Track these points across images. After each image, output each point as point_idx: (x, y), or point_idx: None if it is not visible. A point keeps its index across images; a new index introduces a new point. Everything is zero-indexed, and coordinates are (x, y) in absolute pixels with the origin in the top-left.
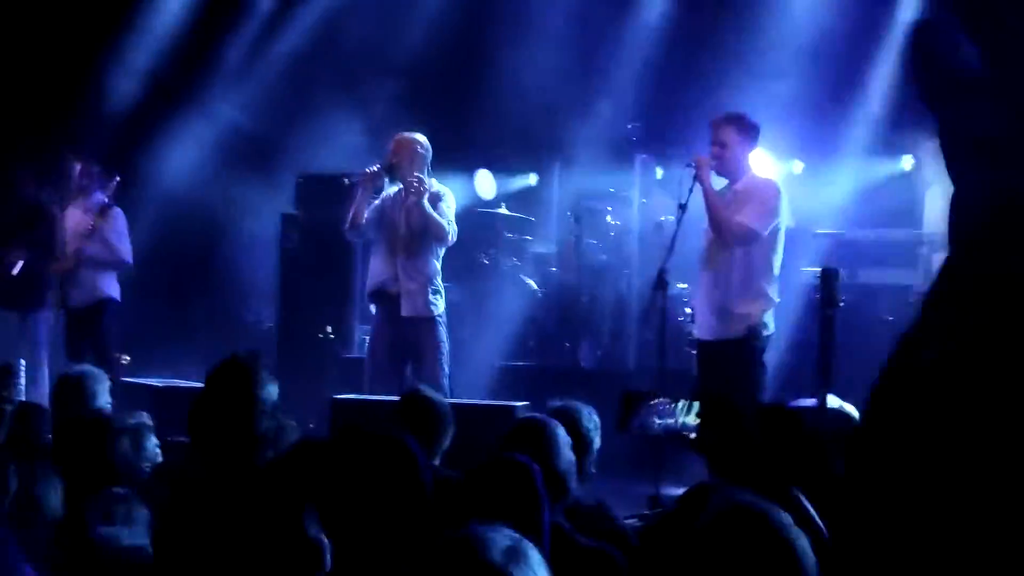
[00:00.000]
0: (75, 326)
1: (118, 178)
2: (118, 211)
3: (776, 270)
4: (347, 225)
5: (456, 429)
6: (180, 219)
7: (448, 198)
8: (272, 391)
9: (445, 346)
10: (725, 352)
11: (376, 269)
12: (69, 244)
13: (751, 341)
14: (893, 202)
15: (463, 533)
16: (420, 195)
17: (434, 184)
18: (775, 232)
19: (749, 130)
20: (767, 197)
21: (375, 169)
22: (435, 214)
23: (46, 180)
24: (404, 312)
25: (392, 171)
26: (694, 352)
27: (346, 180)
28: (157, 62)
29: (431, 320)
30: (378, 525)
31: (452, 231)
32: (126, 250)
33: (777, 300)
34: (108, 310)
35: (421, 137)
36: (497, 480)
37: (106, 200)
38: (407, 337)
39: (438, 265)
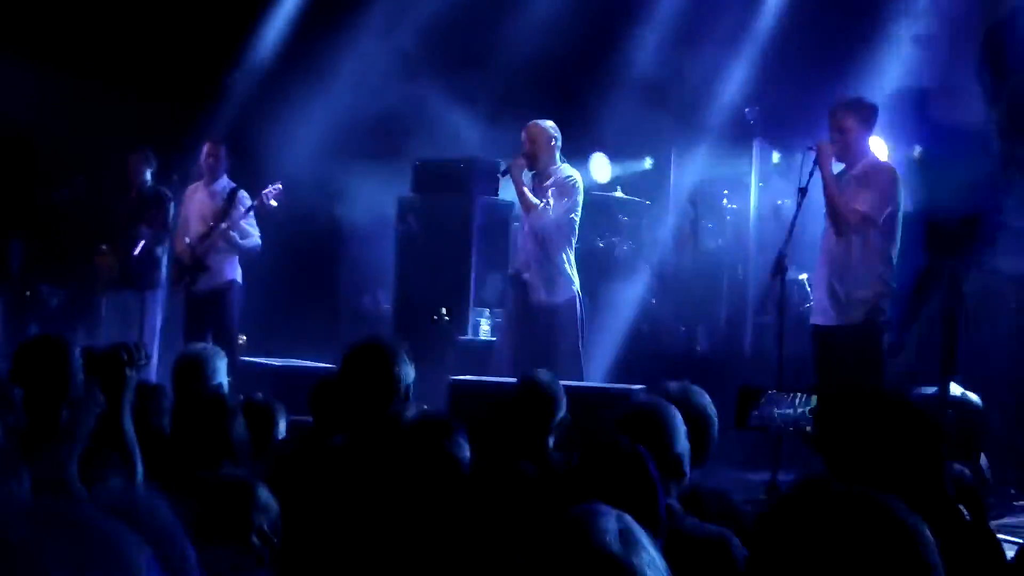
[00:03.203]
0: (197, 308)
1: (279, 185)
2: (244, 194)
3: (894, 257)
4: (528, 213)
5: (573, 413)
6: (298, 203)
7: (567, 186)
8: (408, 374)
9: (577, 331)
10: (843, 338)
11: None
12: (193, 227)
13: (870, 327)
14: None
15: (573, 515)
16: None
17: (565, 169)
18: (891, 218)
19: (867, 114)
20: (884, 183)
21: (520, 161)
22: (533, 200)
23: (169, 162)
24: (534, 298)
25: (531, 159)
26: (811, 337)
27: (499, 174)
28: (278, 46)
29: (555, 306)
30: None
31: (554, 217)
32: (258, 236)
33: (893, 286)
34: (233, 293)
35: (550, 123)
36: (608, 465)
37: (234, 183)
38: (539, 324)
39: (563, 253)
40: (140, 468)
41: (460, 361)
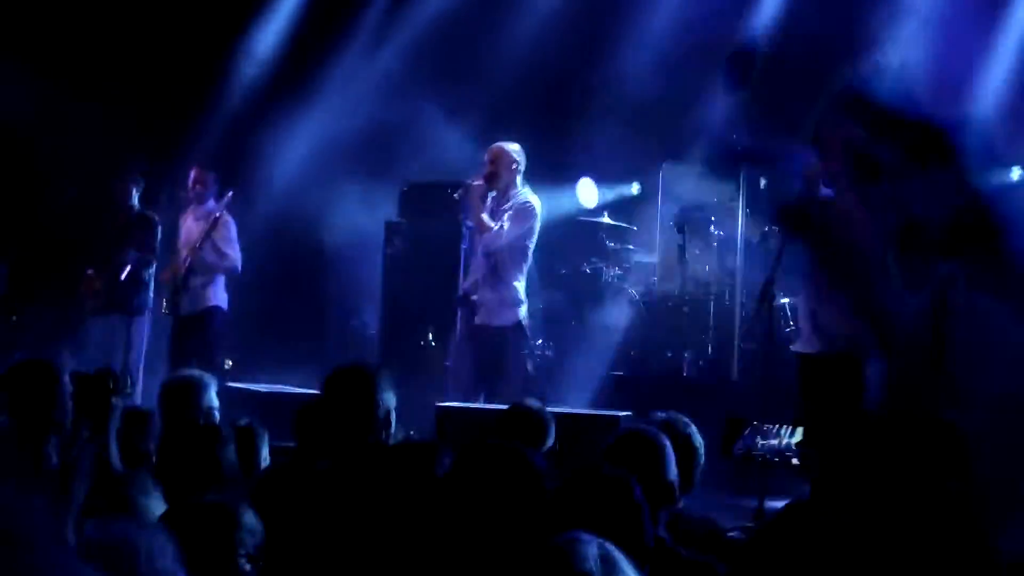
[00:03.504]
0: (182, 333)
1: (231, 192)
2: (229, 219)
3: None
4: (482, 235)
5: (559, 438)
6: (285, 226)
7: (524, 211)
8: (390, 399)
9: (524, 356)
10: (826, 366)
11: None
12: (181, 252)
13: (853, 355)
14: None
15: (555, 543)
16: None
17: (524, 194)
18: None
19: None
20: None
21: (478, 182)
22: (488, 223)
23: (156, 187)
24: (479, 320)
25: (490, 180)
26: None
27: (454, 194)
28: (265, 70)
29: (502, 329)
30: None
31: (506, 241)
32: (235, 257)
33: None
34: (216, 318)
35: (515, 146)
36: (592, 491)
37: (219, 209)
38: (485, 346)
39: (514, 278)
40: None
41: (446, 386)
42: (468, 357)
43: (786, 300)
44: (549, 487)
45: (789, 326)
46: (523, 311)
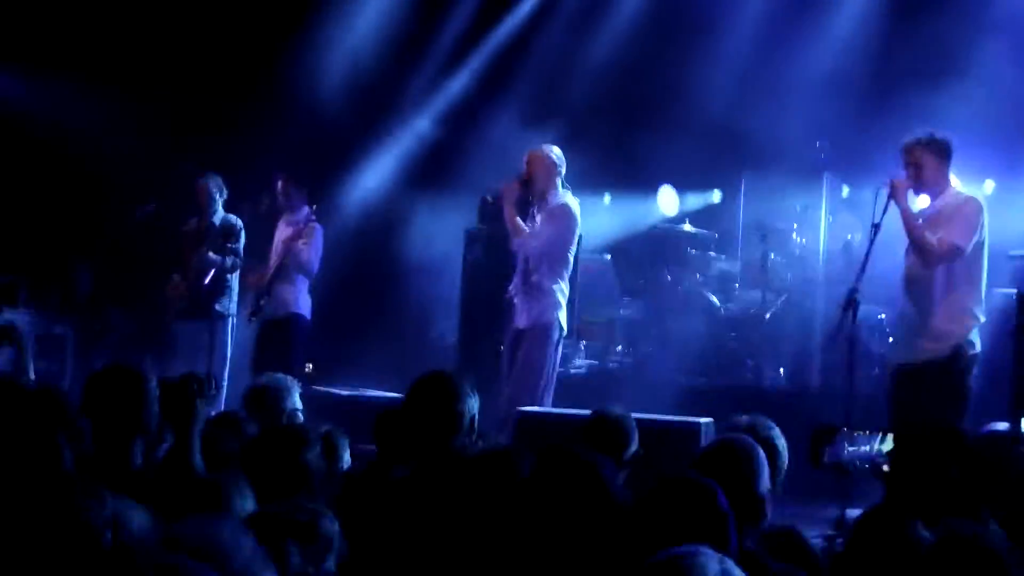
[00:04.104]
0: (265, 337)
1: (315, 205)
2: (317, 227)
3: (982, 287)
4: (515, 239)
5: (640, 445)
6: (364, 235)
7: (558, 213)
8: (472, 406)
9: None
10: (928, 373)
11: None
12: (270, 257)
13: (956, 362)
14: None
15: (675, 555)
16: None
17: (562, 196)
18: (978, 248)
19: (941, 148)
20: (969, 213)
21: (513, 185)
22: (520, 226)
23: (239, 194)
24: (516, 323)
25: (527, 184)
26: (886, 375)
27: (488, 198)
28: (348, 81)
29: (530, 329)
30: (568, 545)
31: (539, 243)
32: (308, 260)
33: (983, 319)
34: (297, 324)
35: (554, 150)
36: (680, 500)
37: (312, 216)
38: (517, 349)
39: (550, 282)
40: None
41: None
42: (507, 359)
43: (881, 316)
44: (628, 494)
45: (871, 336)
46: (556, 316)
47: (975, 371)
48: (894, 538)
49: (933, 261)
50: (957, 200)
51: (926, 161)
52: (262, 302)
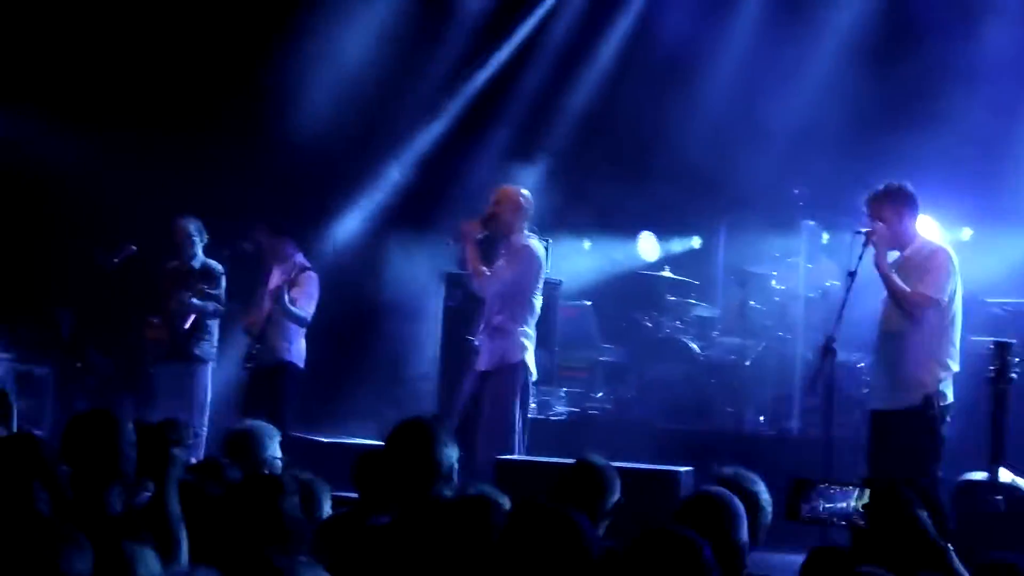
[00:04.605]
0: (255, 384)
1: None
2: (311, 274)
3: (955, 337)
4: (476, 280)
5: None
6: (344, 279)
7: (520, 253)
8: (451, 454)
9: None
10: (899, 422)
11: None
12: (265, 304)
13: (927, 410)
14: None
15: None
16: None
17: (525, 238)
18: (951, 298)
19: (905, 201)
20: (939, 263)
21: (474, 225)
22: (480, 267)
23: (220, 239)
24: (478, 365)
25: (489, 222)
26: (866, 422)
27: (449, 242)
28: (326, 122)
29: (493, 373)
30: None
31: (499, 285)
32: (304, 307)
33: (956, 369)
34: (288, 374)
35: (524, 191)
36: (663, 552)
37: (306, 264)
38: (479, 392)
39: (514, 324)
40: (184, 551)
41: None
42: (465, 403)
43: (860, 365)
44: (611, 544)
45: (851, 382)
46: (522, 358)
47: (947, 420)
48: None
49: (911, 312)
50: (924, 251)
51: (889, 214)
52: (254, 350)
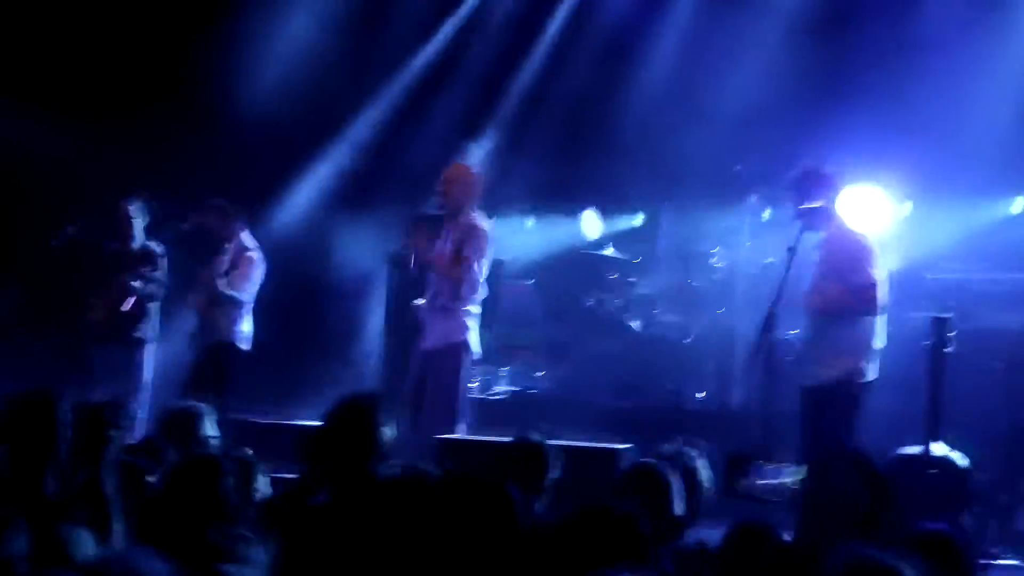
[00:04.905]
0: (198, 364)
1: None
2: (253, 257)
3: (876, 319)
4: (430, 266)
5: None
6: (288, 258)
7: (479, 235)
8: (390, 430)
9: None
10: (823, 397)
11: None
12: (207, 284)
13: (847, 388)
14: (1006, 244)
15: None
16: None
17: (477, 218)
18: (872, 284)
19: (825, 181)
20: (856, 251)
21: (421, 227)
22: (445, 256)
23: (162, 219)
24: (424, 344)
25: (443, 199)
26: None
27: (398, 251)
28: (271, 99)
29: (439, 351)
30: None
31: (471, 272)
32: (243, 289)
33: (879, 346)
34: (232, 355)
35: (475, 169)
36: (600, 527)
37: (247, 246)
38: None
39: (461, 302)
40: (119, 531)
41: None
42: (414, 382)
43: (793, 332)
44: (550, 519)
45: (791, 357)
46: (466, 337)
47: (864, 398)
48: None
49: (866, 308)
50: (844, 240)
51: (812, 195)
52: (197, 330)
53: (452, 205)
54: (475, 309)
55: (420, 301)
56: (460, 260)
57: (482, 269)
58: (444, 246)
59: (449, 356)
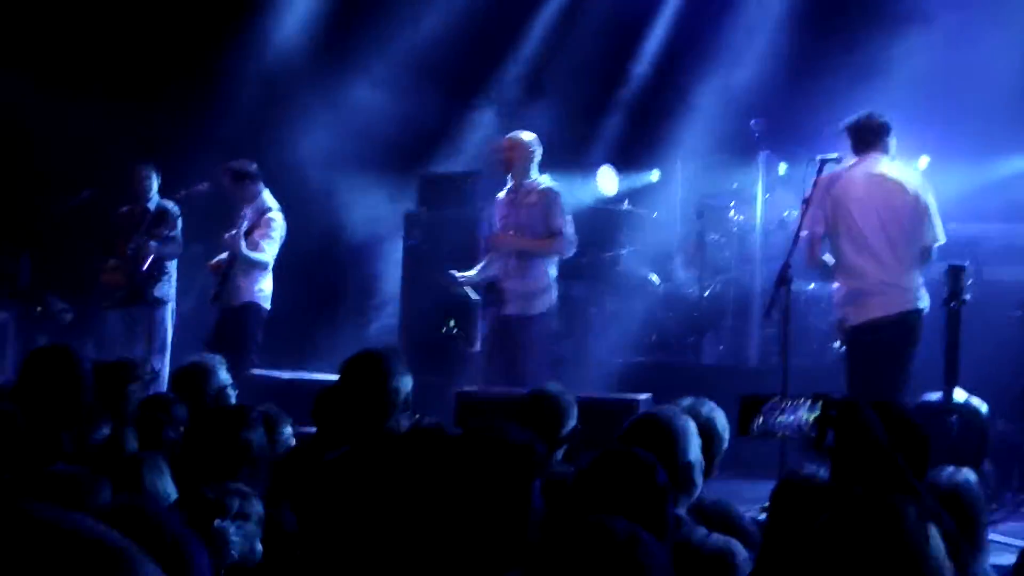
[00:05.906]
0: (221, 325)
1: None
2: (272, 216)
3: (934, 250)
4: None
5: (578, 423)
6: (306, 217)
7: (557, 200)
8: (406, 384)
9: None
10: (893, 328)
11: (492, 265)
12: (229, 246)
13: (919, 314)
14: (1021, 197)
15: (583, 525)
16: None
17: (544, 181)
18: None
19: (881, 129)
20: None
21: (498, 236)
22: (534, 243)
23: (176, 176)
24: (507, 311)
25: (506, 168)
26: (835, 345)
27: (448, 281)
28: (287, 61)
29: (529, 319)
30: (483, 524)
31: (563, 243)
32: (265, 250)
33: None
34: (253, 314)
35: (531, 135)
36: (616, 474)
37: (268, 207)
38: (511, 336)
39: (545, 266)
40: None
41: (469, 373)
42: (497, 347)
43: (811, 287)
44: (567, 468)
45: (807, 309)
46: (550, 299)
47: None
48: (814, 507)
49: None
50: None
51: (864, 140)
52: (221, 288)
53: (516, 174)
54: (554, 270)
55: (466, 273)
56: (554, 234)
57: (571, 226)
58: (527, 215)
59: (544, 322)
